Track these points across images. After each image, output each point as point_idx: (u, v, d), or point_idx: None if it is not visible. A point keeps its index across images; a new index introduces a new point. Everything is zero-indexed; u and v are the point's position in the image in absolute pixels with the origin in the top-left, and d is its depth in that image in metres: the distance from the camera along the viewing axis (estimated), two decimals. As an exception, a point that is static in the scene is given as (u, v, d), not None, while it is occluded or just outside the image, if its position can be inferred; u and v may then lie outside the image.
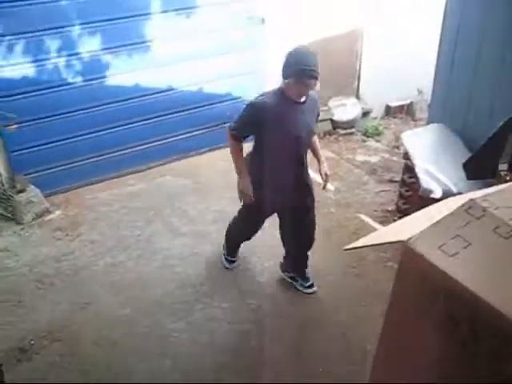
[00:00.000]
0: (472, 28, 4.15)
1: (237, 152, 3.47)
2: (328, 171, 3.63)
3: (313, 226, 3.75)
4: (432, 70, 4.53)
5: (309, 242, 3.78)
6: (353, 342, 3.42)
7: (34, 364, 3.34)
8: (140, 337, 3.51)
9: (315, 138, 3.67)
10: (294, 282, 3.94)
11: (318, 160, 3.65)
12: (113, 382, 3.19)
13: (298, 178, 3.52)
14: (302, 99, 3.30)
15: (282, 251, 4.23)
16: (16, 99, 4.66)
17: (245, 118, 3.35)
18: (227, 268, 4.09)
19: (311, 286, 3.89)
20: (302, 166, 3.51)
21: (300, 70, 3.10)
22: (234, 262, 4.10)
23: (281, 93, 3.28)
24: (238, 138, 3.42)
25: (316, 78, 3.16)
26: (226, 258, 4.11)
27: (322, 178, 3.61)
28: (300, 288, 3.90)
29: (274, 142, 3.31)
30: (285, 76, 3.21)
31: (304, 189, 3.59)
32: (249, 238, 3.94)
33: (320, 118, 5.94)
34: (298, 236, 3.73)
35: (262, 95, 3.39)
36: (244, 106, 3.43)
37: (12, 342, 3.48)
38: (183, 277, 4.03)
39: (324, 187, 3.67)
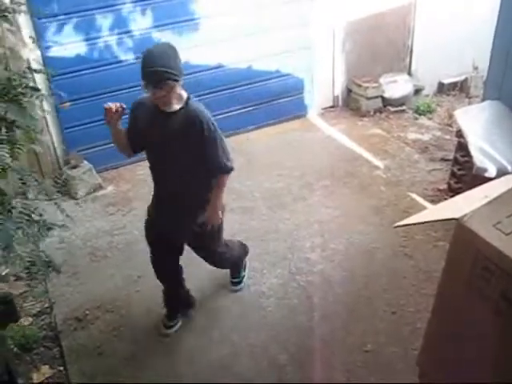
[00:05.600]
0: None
1: None
2: (215, 219, 3.12)
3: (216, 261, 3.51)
4: (489, 45, 4.37)
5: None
6: (402, 320, 3.39)
7: (88, 332, 3.48)
8: (190, 310, 3.59)
9: (218, 182, 3.06)
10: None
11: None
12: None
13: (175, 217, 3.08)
14: (170, 109, 2.84)
15: (329, 228, 4.24)
16: (69, 77, 4.78)
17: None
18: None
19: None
20: (180, 202, 3.02)
21: (143, 72, 2.67)
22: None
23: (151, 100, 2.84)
24: None
25: (160, 81, 2.68)
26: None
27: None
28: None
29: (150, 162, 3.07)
30: None
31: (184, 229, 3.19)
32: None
33: (371, 94, 6.00)
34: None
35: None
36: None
37: (68, 312, 3.64)
38: (232, 252, 4.07)
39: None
